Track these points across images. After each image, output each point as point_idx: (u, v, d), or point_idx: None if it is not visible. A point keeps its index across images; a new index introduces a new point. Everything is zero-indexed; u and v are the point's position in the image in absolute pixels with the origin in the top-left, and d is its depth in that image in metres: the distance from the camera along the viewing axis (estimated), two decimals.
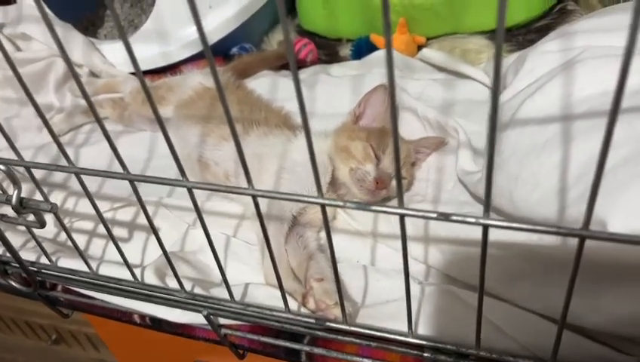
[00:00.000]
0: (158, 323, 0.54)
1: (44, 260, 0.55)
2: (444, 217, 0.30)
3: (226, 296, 0.47)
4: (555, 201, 0.43)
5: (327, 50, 0.99)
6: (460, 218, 0.30)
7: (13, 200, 0.43)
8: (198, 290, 0.50)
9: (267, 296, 0.51)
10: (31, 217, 0.46)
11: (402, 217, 0.32)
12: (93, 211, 0.45)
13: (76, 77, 0.33)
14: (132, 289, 0.50)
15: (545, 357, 0.38)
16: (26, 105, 0.91)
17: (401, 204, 0.31)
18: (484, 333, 0.38)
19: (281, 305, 0.45)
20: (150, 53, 0.94)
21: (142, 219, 0.66)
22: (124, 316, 0.56)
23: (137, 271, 0.51)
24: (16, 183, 0.43)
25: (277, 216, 0.59)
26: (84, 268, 0.52)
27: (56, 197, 0.69)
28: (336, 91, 0.81)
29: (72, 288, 0.56)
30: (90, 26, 1.12)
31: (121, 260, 0.48)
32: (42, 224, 0.46)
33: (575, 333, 0.42)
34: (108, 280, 0.51)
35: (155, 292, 0.50)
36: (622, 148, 0.39)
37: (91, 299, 0.56)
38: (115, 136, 0.37)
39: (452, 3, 0.85)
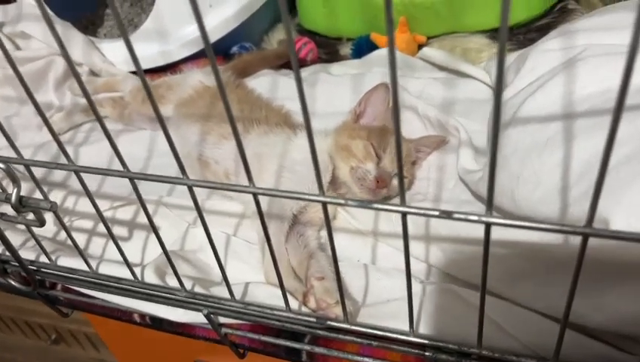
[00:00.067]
0: (158, 323, 0.54)
1: (43, 259, 0.55)
2: (447, 215, 0.30)
3: (227, 294, 0.46)
4: (556, 200, 0.43)
5: (328, 49, 0.99)
6: (462, 216, 0.30)
7: (13, 198, 0.43)
8: (198, 289, 0.50)
9: (268, 295, 0.51)
10: (30, 216, 0.46)
11: (404, 215, 0.32)
12: (93, 210, 0.45)
13: (76, 75, 0.33)
14: (132, 288, 0.50)
15: (547, 356, 0.38)
16: (26, 104, 0.91)
17: (403, 202, 0.31)
18: (485, 332, 0.38)
19: (281, 304, 0.45)
20: (150, 52, 0.94)
21: (142, 218, 0.66)
22: (124, 315, 0.55)
23: (137, 270, 0.51)
24: (15, 181, 0.43)
25: (277, 214, 0.59)
26: (84, 267, 0.52)
27: (55, 196, 0.69)
28: (336, 90, 0.81)
29: (71, 287, 0.56)
30: (89, 25, 1.12)
31: (121, 259, 0.48)
32: (42, 223, 0.46)
33: (577, 332, 0.42)
34: (108, 279, 0.51)
35: (156, 291, 0.49)
36: (625, 147, 0.39)
37: (91, 298, 0.56)
38: (115, 135, 0.37)
39: (452, 2, 0.85)
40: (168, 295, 0.49)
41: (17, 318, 1.08)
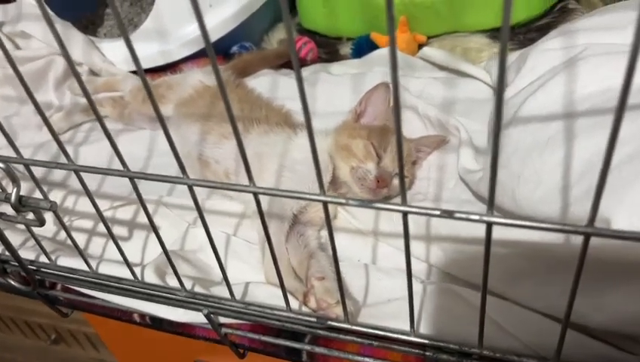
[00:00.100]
0: (158, 323, 0.54)
1: (43, 259, 0.55)
2: (448, 214, 0.30)
3: (227, 294, 0.46)
4: (557, 199, 0.43)
5: (328, 49, 0.99)
6: (463, 215, 0.30)
7: (12, 198, 0.43)
8: (198, 289, 0.50)
9: (268, 295, 0.51)
10: (30, 215, 0.46)
11: (405, 215, 0.32)
12: (92, 210, 0.44)
13: (76, 74, 0.33)
14: (132, 288, 0.50)
15: (548, 355, 0.38)
16: (26, 104, 0.91)
17: (404, 202, 0.31)
18: (486, 332, 0.38)
19: (282, 303, 0.45)
20: (150, 51, 0.93)
21: (142, 218, 0.66)
22: (124, 315, 0.55)
23: (137, 270, 0.51)
24: (15, 181, 0.43)
25: (278, 214, 0.59)
26: (84, 267, 0.52)
27: (55, 196, 0.68)
28: (336, 90, 0.81)
29: (71, 287, 0.56)
30: (89, 25, 1.12)
31: (121, 259, 0.48)
32: (42, 222, 0.46)
33: (578, 332, 0.41)
34: (108, 279, 0.51)
35: (156, 291, 0.49)
36: (626, 146, 0.39)
37: (91, 298, 0.56)
38: (115, 135, 0.37)
39: (453, 1, 0.85)
40: (168, 295, 0.48)
41: (17, 318, 1.08)
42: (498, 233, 0.31)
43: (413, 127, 0.71)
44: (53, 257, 0.54)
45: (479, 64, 0.82)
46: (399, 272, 0.55)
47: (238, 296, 0.48)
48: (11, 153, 0.44)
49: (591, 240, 0.29)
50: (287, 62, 0.96)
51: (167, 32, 0.93)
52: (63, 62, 0.94)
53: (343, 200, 0.33)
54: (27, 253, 0.56)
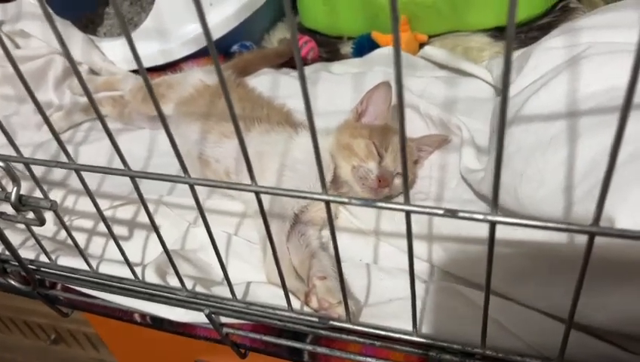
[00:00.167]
0: (158, 323, 0.54)
1: (43, 258, 0.54)
2: (451, 214, 0.30)
3: (228, 294, 0.46)
4: (561, 199, 0.43)
5: (328, 48, 0.99)
6: (467, 215, 0.30)
7: (13, 197, 0.43)
8: (199, 289, 0.50)
9: (269, 295, 0.51)
10: (30, 215, 0.45)
11: (408, 214, 0.32)
12: (93, 209, 0.44)
13: (77, 72, 0.33)
14: (133, 287, 0.50)
15: (551, 355, 0.38)
16: (25, 103, 0.90)
17: (407, 201, 0.31)
18: (489, 332, 0.38)
19: (283, 303, 0.45)
20: (150, 50, 0.93)
21: (142, 217, 0.66)
22: (124, 315, 0.55)
23: (138, 270, 0.50)
24: (15, 180, 0.43)
25: (279, 213, 0.59)
26: (84, 267, 0.51)
27: (55, 195, 0.68)
28: (337, 89, 0.81)
29: (71, 287, 0.56)
30: (89, 24, 1.12)
31: (121, 258, 0.48)
32: (42, 221, 0.45)
33: (581, 332, 0.41)
34: (108, 279, 0.51)
35: (156, 290, 0.49)
36: (629, 145, 0.39)
37: (91, 297, 0.55)
38: (115, 134, 0.36)
39: (454, 1, 0.84)
40: (169, 294, 0.48)
41: (17, 318, 1.08)
42: (501, 232, 0.31)
43: (414, 127, 0.71)
44: (53, 257, 0.54)
45: (481, 63, 0.82)
46: (401, 272, 0.55)
47: (239, 295, 0.47)
48: (11, 152, 0.43)
49: (595, 240, 0.28)
50: (288, 61, 0.96)
51: (168, 31, 0.92)
52: (62, 62, 0.94)
53: (346, 200, 0.33)
54: (27, 253, 0.56)
